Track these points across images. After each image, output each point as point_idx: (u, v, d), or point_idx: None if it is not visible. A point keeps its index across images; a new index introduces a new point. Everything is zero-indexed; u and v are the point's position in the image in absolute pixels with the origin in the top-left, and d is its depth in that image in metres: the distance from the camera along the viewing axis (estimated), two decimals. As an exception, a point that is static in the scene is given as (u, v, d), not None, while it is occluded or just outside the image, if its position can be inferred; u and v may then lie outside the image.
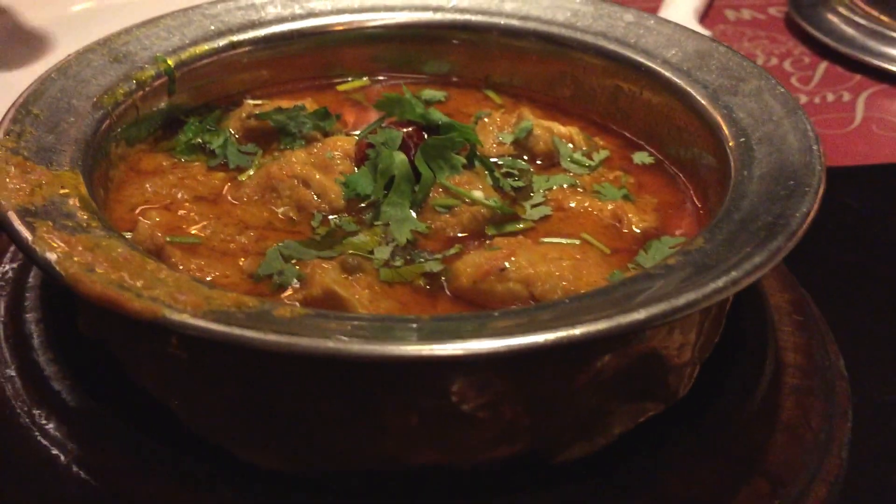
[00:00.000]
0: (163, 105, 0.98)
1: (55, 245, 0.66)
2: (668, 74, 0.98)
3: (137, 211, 0.85)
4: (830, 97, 1.73)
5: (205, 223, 0.85)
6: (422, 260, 0.82)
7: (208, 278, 0.77)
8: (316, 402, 0.67)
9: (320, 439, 0.69)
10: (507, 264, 0.77)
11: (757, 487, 0.74)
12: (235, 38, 1.05)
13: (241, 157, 0.95)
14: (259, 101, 1.05)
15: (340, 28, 1.11)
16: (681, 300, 0.63)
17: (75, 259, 0.65)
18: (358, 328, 0.61)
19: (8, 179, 0.74)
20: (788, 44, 1.96)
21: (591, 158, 0.99)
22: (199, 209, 0.87)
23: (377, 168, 0.89)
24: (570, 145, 1.00)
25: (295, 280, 0.77)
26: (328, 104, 1.03)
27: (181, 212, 0.86)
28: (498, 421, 0.68)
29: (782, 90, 0.90)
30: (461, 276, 0.78)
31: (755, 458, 0.76)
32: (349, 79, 1.13)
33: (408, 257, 0.82)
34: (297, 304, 0.75)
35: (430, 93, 1.11)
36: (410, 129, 0.92)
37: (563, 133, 1.01)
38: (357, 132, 1.00)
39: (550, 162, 0.99)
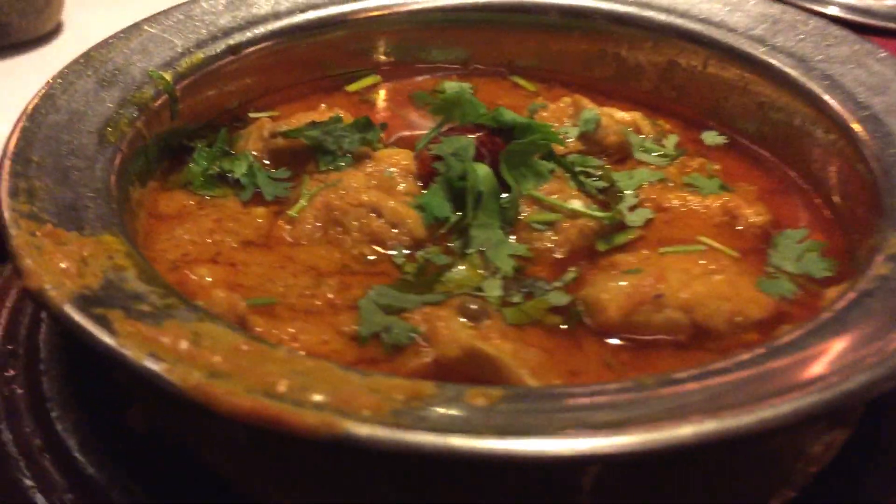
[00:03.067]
0: (164, 130, 0.81)
1: (152, 344, 0.50)
2: (738, 44, 0.88)
3: (190, 273, 0.68)
4: None
5: (269, 276, 0.69)
6: (542, 292, 0.69)
7: (300, 348, 0.62)
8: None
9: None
10: (661, 289, 0.65)
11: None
12: (232, 41, 0.88)
13: (276, 185, 0.79)
14: (268, 114, 0.89)
15: (344, 19, 0.95)
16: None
17: (186, 362, 0.49)
18: (593, 407, 0.48)
19: (44, 257, 0.56)
20: None
21: (661, 145, 0.89)
22: (254, 258, 0.71)
23: (452, 184, 0.75)
24: (643, 135, 0.88)
25: (412, 335, 0.63)
26: (341, 108, 0.88)
27: (237, 265, 0.70)
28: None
29: (884, 53, 0.82)
30: (607, 308, 0.66)
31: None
32: (356, 77, 0.98)
33: (524, 290, 0.69)
34: (428, 360, 0.61)
35: (451, 85, 0.97)
36: (480, 133, 0.78)
37: (625, 120, 0.90)
38: (395, 136, 0.86)
39: (623, 155, 0.87)
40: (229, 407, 0.46)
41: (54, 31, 1.42)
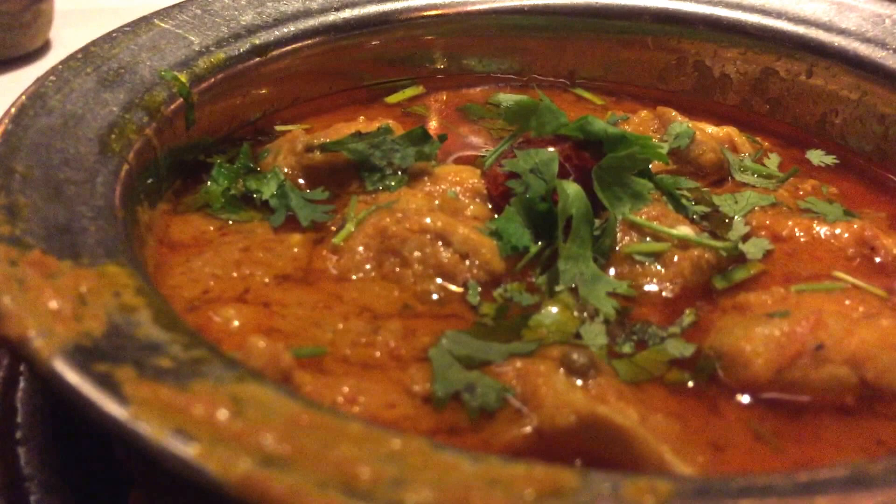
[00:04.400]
0: (179, 142, 0.67)
1: (178, 416, 0.35)
2: (851, 48, 0.75)
3: (210, 313, 0.54)
4: None
5: (314, 319, 0.55)
6: (657, 340, 0.55)
7: (360, 414, 0.48)
8: None
9: None
10: (822, 338, 0.51)
11: None
12: (259, 40, 0.74)
13: (314, 208, 0.65)
14: (303, 126, 0.75)
15: (386, 20, 0.82)
16: None
17: (228, 442, 0.34)
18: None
19: (28, 295, 0.41)
20: None
21: (762, 165, 0.75)
22: (292, 296, 0.57)
23: (532, 206, 0.61)
24: (744, 155, 0.75)
25: (504, 397, 0.49)
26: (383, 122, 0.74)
27: (270, 304, 0.56)
28: None
29: None
30: (753, 362, 0.51)
31: None
32: (396, 87, 0.84)
33: (635, 338, 0.55)
34: (528, 429, 0.47)
35: (507, 97, 0.84)
36: (563, 146, 0.64)
37: (718, 136, 0.76)
38: (454, 156, 0.73)
39: (720, 176, 0.74)
40: (296, 513, 0.31)
41: (42, 49, 1.31)
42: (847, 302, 0.57)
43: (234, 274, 0.58)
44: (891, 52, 0.74)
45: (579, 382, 0.50)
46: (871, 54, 0.74)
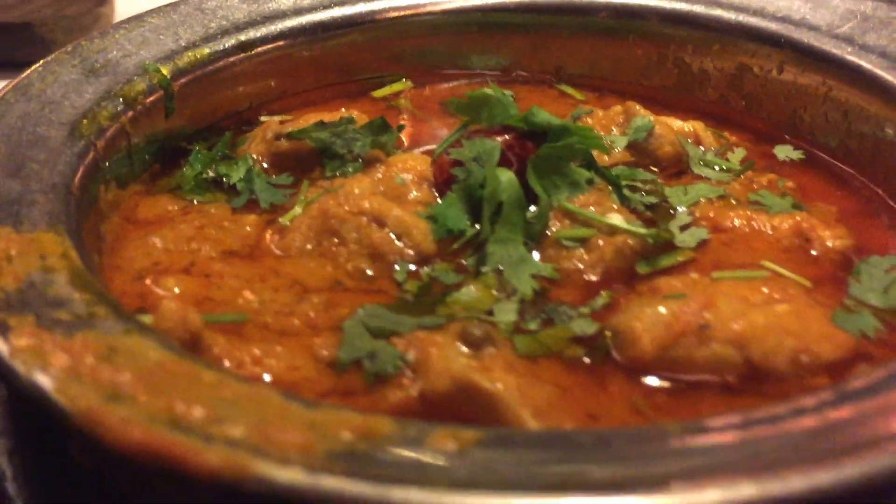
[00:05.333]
0: (158, 130, 0.73)
1: (49, 357, 0.41)
2: (820, 45, 0.76)
3: (148, 280, 0.60)
4: None
5: (247, 290, 0.60)
6: (565, 318, 0.58)
7: (267, 376, 0.52)
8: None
9: None
10: (707, 318, 0.53)
11: None
12: (244, 36, 0.80)
13: (274, 191, 0.70)
14: (282, 117, 0.80)
15: (373, 18, 0.86)
16: None
17: (85, 380, 0.39)
18: (595, 459, 0.36)
19: (-42, 253, 0.48)
20: None
21: (725, 159, 0.76)
22: (234, 269, 0.62)
23: (472, 193, 0.65)
24: (702, 148, 0.76)
25: (398, 364, 0.53)
26: (366, 115, 0.79)
27: (209, 276, 0.61)
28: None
29: None
30: (640, 339, 0.54)
31: None
32: (383, 82, 0.89)
33: (543, 316, 0.58)
34: (414, 401, 0.50)
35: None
36: (507, 136, 0.67)
37: (684, 130, 0.78)
38: (421, 148, 0.77)
39: (678, 168, 0.75)
40: (119, 438, 0.36)
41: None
42: (764, 289, 0.58)
43: (185, 248, 0.63)
44: (857, 47, 0.74)
45: (472, 354, 0.53)
46: (836, 50, 0.75)
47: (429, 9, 0.87)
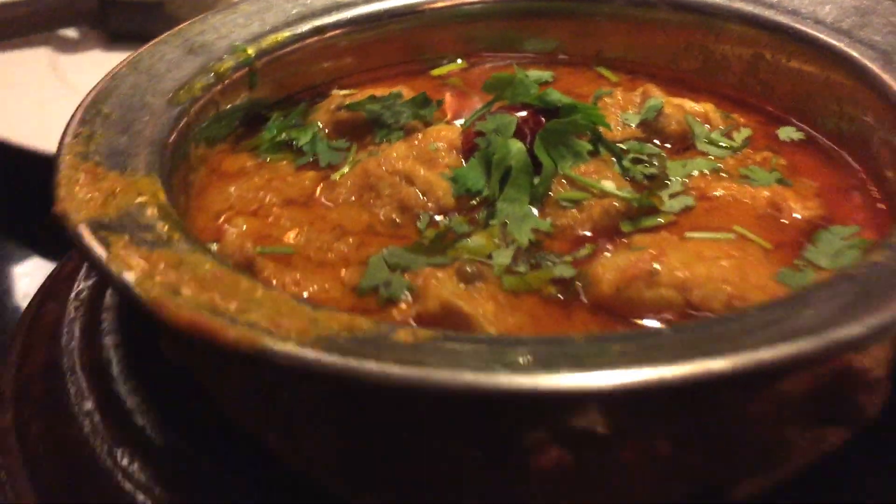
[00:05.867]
0: (244, 99, 0.89)
1: (134, 263, 0.56)
2: (823, 37, 0.84)
3: (222, 219, 0.75)
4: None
5: (297, 230, 0.74)
6: (549, 264, 0.70)
7: (305, 294, 0.67)
8: (439, 441, 0.56)
9: (442, 484, 0.57)
10: (656, 266, 0.65)
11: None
12: (319, 22, 0.94)
13: (332, 153, 0.85)
14: (348, 91, 0.95)
15: (434, 6, 0.99)
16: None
17: (157, 279, 0.55)
18: (498, 353, 0.49)
19: (77, 188, 0.64)
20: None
21: (731, 138, 0.86)
22: (290, 214, 0.77)
23: (489, 159, 0.77)
24: (707, 125, 0.86)
25: (405, 293, 0.66)
26: (424, 91, 0.92)
27: (270, 218, 0.76)
28: (660, 462, 0.56)
29: (971, 46, 0.75)
30: (601, 281, 0.66)
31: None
32: (444, 62, 1.02)
33: (533, 262, 0.70)
34: (412, 320, 0.64)
35: (535, 73, 0.98)
36: (525, 113, 0.80)
37: (696, 111, 0.88)
38: (461, 120, 0.89)
39: (684, 144, 0.86)
40: (170, 316, 0.52)
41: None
42: (725, 248, 0.69)
43: (255, 196, 0.79)
44: (853, 40, 0.82)
45: (463, 286, 0.66)
46: (834, 42, 0.83)
47: (483, -1, 0.99)
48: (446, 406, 0.53)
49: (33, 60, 1.51)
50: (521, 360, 0.48)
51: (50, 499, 0.66)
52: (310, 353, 0.49)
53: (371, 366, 0.48)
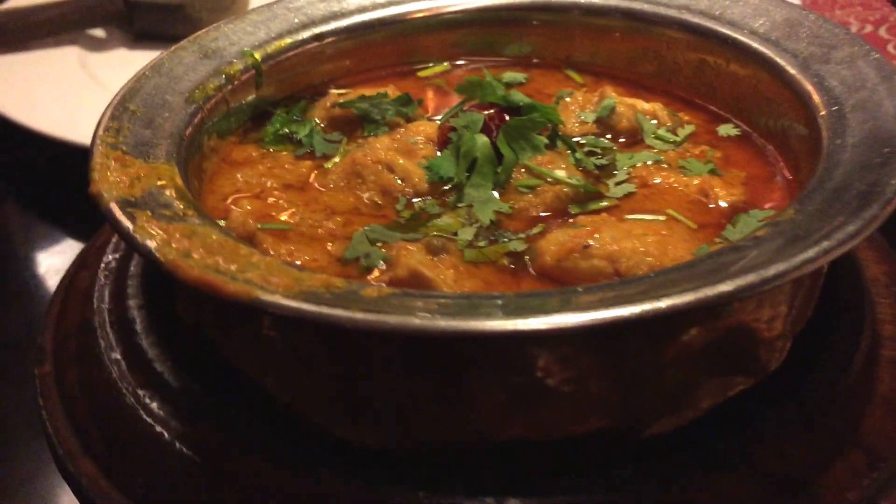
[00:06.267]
0: (251, 98, 1.01)
1: (154, 233, 0.69)
2: (755, 45, 0.96)
3: (230, 200, 0.89)
4: (930, 64, 1.66)
5: (294, 210, 0.87)
6: (505, 240, 0.82)
7: (298, 262, 0.80)
8: (403, 379, 0.69)
9: (409, 416, 0.70)
10: (591, 241, 0.77)
11: (853, 461, 0.73)
12: (318, 29, 1.07)
13: (326, 144, 0.98)
14: (343, 91, 1.07)
15: (421, 15, 1.12)
16: (770, 271, 0.62)
17: (173, 246, 0.68)
18: (444, 306, 0.62)
19: (108, 173, 0.77)
20: (884, 10, 1.89)
21: (675, 134, 0.98)
22: (288, 196, 0.90)
23: (460, 151, 0.90)
24: (655, 121, 0.99)
25: (381, 262, 0.79)
26: (410, 90, 1.05)
27: (271, 200, 0.89)
28: (585, 396, 0.68)
29: (876, 56, 0.87)
30: (545, 253, 0.78)
31: (851, 432, 0.74)
32: (430, 65, 1.14)
33: (492, 238, 0.83)
34: (384, 285, 0.76)
35: (510, 75, 1.11)
36: (492, 111, 0.92)
37: (646, 110, 1.00)
38: (439, 117, 1.02)
39: (634, 139, 0.98)
40: (183, 274, 0.65)
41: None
42: (656, 228, 0.81)
43: (258, 181, 0.92)
44: (780, 48, 0.94)
45: (430, 257, 0.79)
46: (765, 50, 0.95)
47: (461, 7, 1.11)
48: (404, 348, 0.66)
49: (63, 58, 1.65)
50: (459, 309, 0.61)
51: (83, 432, 0.79)
52: (293, 303, 0.62)
53: (340, 313, 0.61)
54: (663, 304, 0.60)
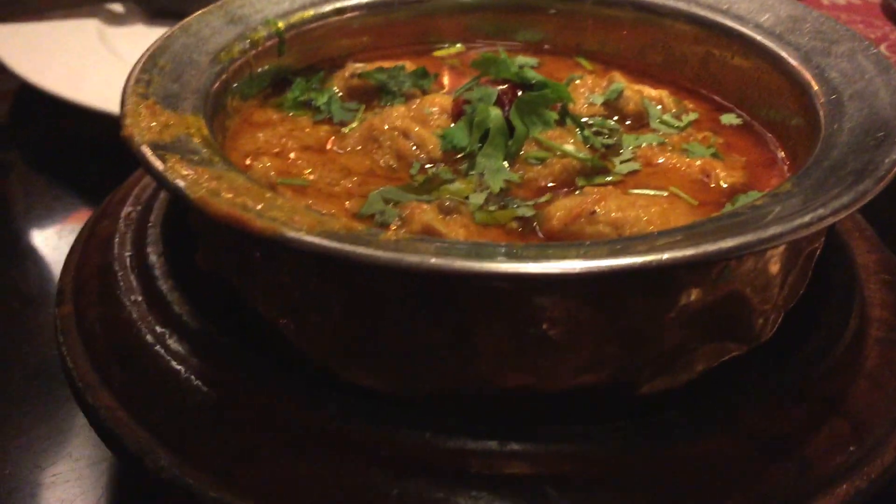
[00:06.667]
0: (273, 65, 1.05)
1: (185, 173, 0.73)
2: (759, 38, 1.01)
3: (250, 158, 0.92)
4: (927, 79, 1.71)
5: (312, 168, 0.91)
6: (515, 206, 0.86)
7: (317, 215, 0.83)
8: (415, 325, 0.72)
9: (418, 361, 0.73)
10: (597, 208, 0.81)
11: (838, 428, 0.76)
12: (340, 4, 1.11)
13: (345, 112, 1.01)
14: (362, 65, 1.11)
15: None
16: (768, 232, 0.66)
17: (203, 184, 0.71)
18: (457, 248, 0.65)
19: (140, 118, 0.81)
20: (885, 28, 1.94)
21: (679, 120, 1.02)
22: (307, 157, 0.93)
23: (473, 122, 0.93)
24: (660, 107, 1.03)
25: (396, 219, 0.82)
26: (424, 66, 1.08)
27: (290, 159, 0.92)
28: (584, 348, 0.72)
29: (875, 50, 0.91)
30: (552, 218, 0.82)
31: (837, 401, 0.78)
32: (445, 45, 1.18)
33: (501, 203, 0.87)
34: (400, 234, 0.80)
35: (522, 59, 1.15)
36: (505, 86, 0.96)
37: (653, 96, 1.04)
38: (454, 93, 1.05)
39: (640, 123, 1.02)
40: (213, 210, 0.68)
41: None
42: (659, 201, 0.85)
43: (278, 142, 0.95)
44: (783, 42, 0.98)
45: (442, 216, 0.82)
46: (768, 43, 0.99)
47: (479, -7, 1.15)
48: (417, 291, 0.69)
49: (83, 30, 1.68)
50: (474, 252, 0.64)
51: (103, 367, 0.82)
52: (316, 240, 0.65)
53: (362, 250, 0.64)
54: (665, 255, 0.64)
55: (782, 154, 0.96)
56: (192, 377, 0.77)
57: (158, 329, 0.81)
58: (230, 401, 0.75)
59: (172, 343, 0.80)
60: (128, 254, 0.90)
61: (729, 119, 1.03)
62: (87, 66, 1.55)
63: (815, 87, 0.90)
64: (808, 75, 0.93)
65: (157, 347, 0.80)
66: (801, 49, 0.96)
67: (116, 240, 0.92)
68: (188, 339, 0.80)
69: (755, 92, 1.02)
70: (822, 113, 0.86)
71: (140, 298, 0.85)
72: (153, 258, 0.89)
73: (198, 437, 0.74)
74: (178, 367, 0.79)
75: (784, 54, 0.97)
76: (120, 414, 0.77)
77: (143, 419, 0.76)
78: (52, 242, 1.31)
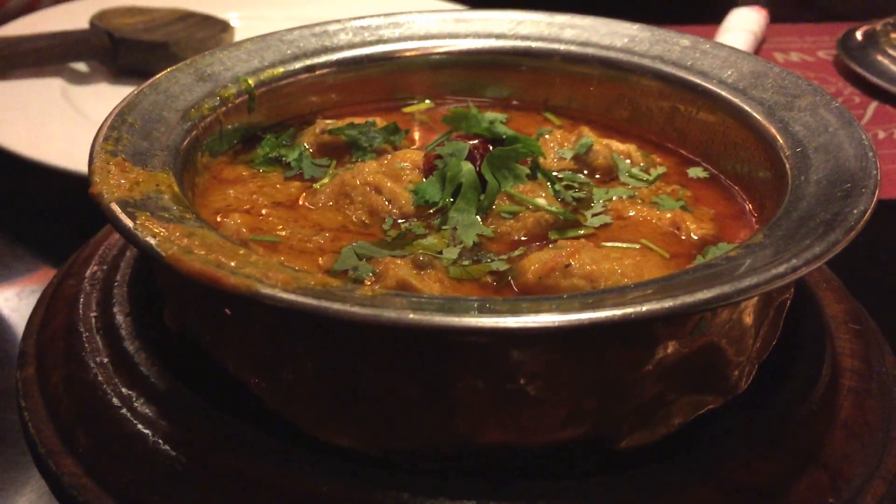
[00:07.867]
0: (243, 121, 1.05)
1: (156, 231, 0.72)
2: (724, 94, 1.02)
3: (220, 215, 0.91)
4: (882, 134, 1.76)
5: (283, 225, 0.90)
6: (489, 260, 0.86)
7: (288, 272, 0.82)
8: (391, 382, 0.71)
9: (394, 419, 0.72)
10: (571, 261, 0.81)
11: (816, 479, 0.76)
12: (310, 61, 1.11)
13: (316, 168, 1.01)
14: (332, 121, 1.11)
15: (408, 54, 1.17)
16: (743, 283, 0.66)
17: (174, 242, 0.70)
18: (434, 303, 0.65)
19: (108, 176, 0.79)
20: (838, 84, 2.00)
21: (648, 174, 1.03)
22: (278, 213, 0.92)
23: (445, 177, 0.94)
24: (629, 161, 1.04)
25: (370, 274, 0.82)
26: (395, 121, 1.09)
27: (261, 215, 0.92)
28: (563, 402, 0.71)
29: (837, 104, 0.93)
30: (527, 271, 0.82)
31: (815, 452, 0.78)
32: (414, 101, 1.19)
33: (475, 258, 0.86)
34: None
35: (491, 115, 1.15)
36: (476, 141, 0.96)
37: (621, 150, 1.05)
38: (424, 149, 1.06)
39: (609, 176, 1.03)
40: (185, 268, 0.67)
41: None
42: (632, 254, 0.85)
43: (248, 198, 0.94)
44: (747, 97, 1.00)
45: (417, 271, 0.82)
46: (732, 98, 1.01)
47: (447, 49, 1.16)
48: (393, 347, 0.68)
49: (46, 88, 1.67)
50: (448, 307, 0.64)
51: (67, 432, 0.79)
52: (291, 297, 0.64)
53: (337, 306, 0.63)
54: (644, 307, 0.64)
55: (749, 206, 0.97)
56: (160, 441, 0.75)
57: (125, 391, 0.79)
58: (199, 464, 0.73)
59: (139, 405, 0.78)
60: (93, 314, 0.88)
61: (696, 172, 1.04)
62: (51, 124, 1.53)
63: (780, 141, 0.92)
64: (772, 129, 0.94)
65: (124, 410, 0.78)
66: (764, 104, 0.98)
67: (81, 300, 0.90)
68: (155, 402, 0.78)
69: (721, 146, 1.03)
70: (788, 165, 0.88)
71: (106, 360, 0.83)
72: (119, 318, 0.87)
73: (167, 503, 0.71)
74: (146, 430, 0.76)
75: (748, 108, 0.99)
76: (84, 481, 0.75)
77: (108, 486, 0.74)
78: (11, 304, 1.28)
